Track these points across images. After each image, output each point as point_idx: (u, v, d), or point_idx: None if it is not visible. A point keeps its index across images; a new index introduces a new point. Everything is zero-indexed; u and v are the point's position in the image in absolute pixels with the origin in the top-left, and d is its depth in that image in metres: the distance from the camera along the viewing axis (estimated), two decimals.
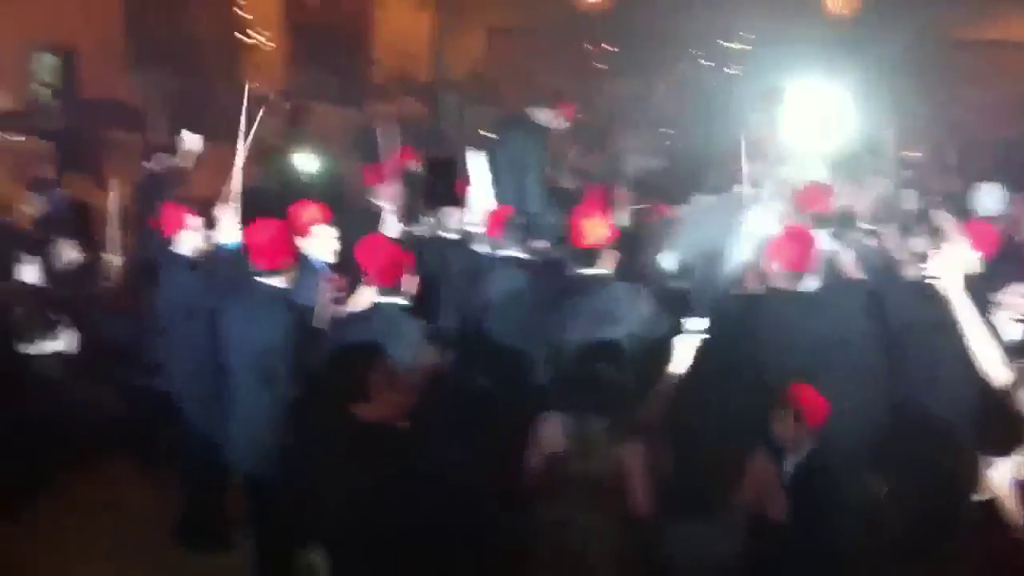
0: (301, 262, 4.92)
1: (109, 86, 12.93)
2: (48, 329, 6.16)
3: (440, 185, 6.23)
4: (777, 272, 4.69)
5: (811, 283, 4.78)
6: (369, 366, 3.64)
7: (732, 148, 6.85)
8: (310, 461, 3.74)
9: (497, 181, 6.26)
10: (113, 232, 7.27)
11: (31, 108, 12.84)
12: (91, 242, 7.51)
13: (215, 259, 5.43)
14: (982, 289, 4.58)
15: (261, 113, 6.10)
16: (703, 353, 4.27)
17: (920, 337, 4.71)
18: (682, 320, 4.43)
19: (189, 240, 5.44)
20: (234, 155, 6.55)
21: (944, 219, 5.34)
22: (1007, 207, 6.63)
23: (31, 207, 8.11)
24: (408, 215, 6.39)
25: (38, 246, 6.97)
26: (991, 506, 3.12)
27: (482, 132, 13.51)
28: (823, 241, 5.37)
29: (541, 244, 5.81)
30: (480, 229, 5.87)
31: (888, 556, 4.66)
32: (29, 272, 6.36)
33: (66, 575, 5.28)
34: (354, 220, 5.99)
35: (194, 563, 5.36)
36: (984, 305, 4.32)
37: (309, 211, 5.47)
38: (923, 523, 4.85)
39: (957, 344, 3.61)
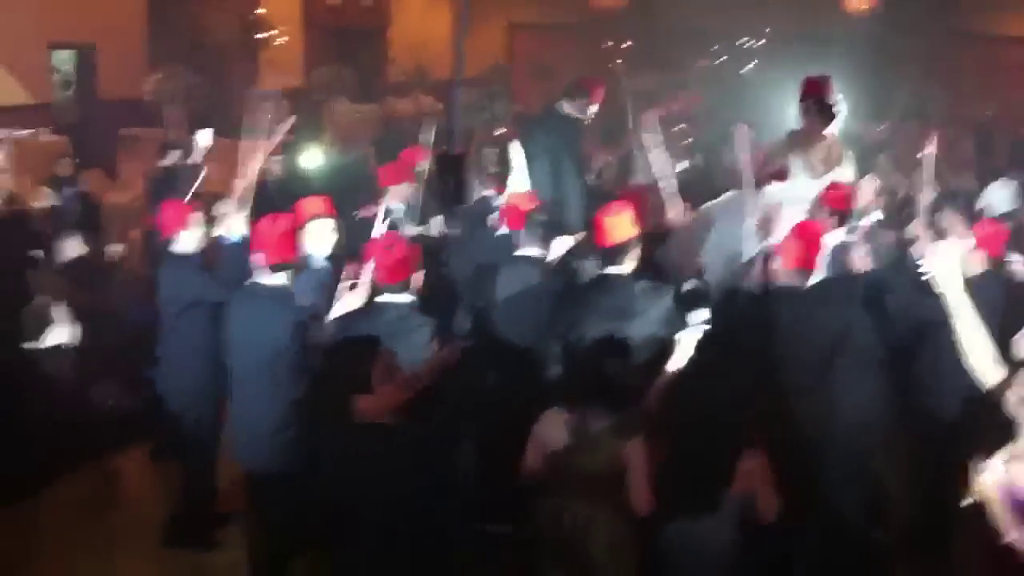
0: (302, 259, 4.93)
1: (128, 83, 13.02)
2: (50, 322, 6.21)
3: (450, 183, 6.23)
4: (784, 269, 4.68)
5: (816, 277, 4.76)
6: (370, 360, 3.64)
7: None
8: (313, 458, 3.75)
9: (534, 175, 6.23)
10: (122, 227, 7.32)
11: (50, 104, 12.95)
12: (99, 237, 7.55)
13: (217, 255, 5.43)
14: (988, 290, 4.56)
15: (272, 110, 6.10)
16: (702, 347, 4.27)
17: (922, 332, 4.69)
18: (688, 313, 4.43)
19: (190, 238, 5.43)
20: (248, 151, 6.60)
21: (950, 217, 5.29)
22: (1020, 205, 6.57)
23: (43, 202, 8.19)
24: (421, 214, 6.39)
25: (46, 240, 7.03)
26: (980, 509, 3.10)
27: (498, 130, 13.61)
28: (836, 234, 5.35)
29: (562, 241, 5.77)
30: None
31: (887, 554, 4.66)
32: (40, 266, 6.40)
33: (68, 571, 5.31)
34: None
35: (194, 560, 5.38)
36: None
37: (310, 205, 5.49)
38: (921, 521, 4.85)
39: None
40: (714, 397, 3.73)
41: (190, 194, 6.26)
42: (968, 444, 3.28)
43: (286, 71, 15.44)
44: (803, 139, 6.22)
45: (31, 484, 5.93)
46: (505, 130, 13.82)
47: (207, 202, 5.85)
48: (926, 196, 5.44)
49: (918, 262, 3.74)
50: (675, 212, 5.93)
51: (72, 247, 6.92)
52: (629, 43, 17.86)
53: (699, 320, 4.37)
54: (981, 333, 3.54)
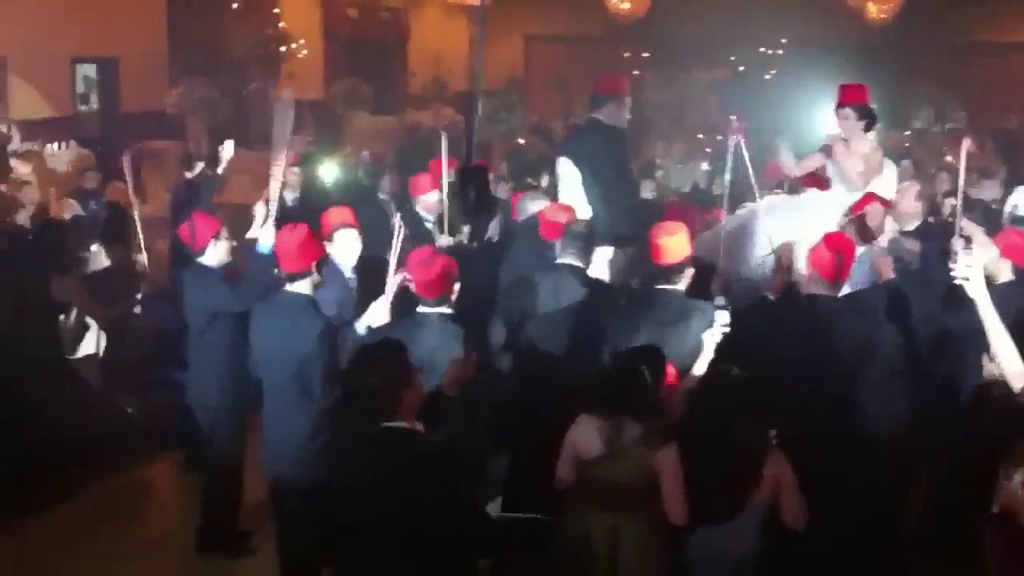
0: (328, 268, 4.95)
1: (151, 96, 13.13)
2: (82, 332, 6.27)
3: (474, 194, 6.21)
4: (814, 279, 4.65)
5: (846, 288, 4.75)
6: (403, 383, 3.63)
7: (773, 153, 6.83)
8: (339, 468, 3.75)
9: (586, 189, 6.18)
10: (147, 238, 7.37)
11: (74, 117, 13.08)
12: (126, 247, 7.61)
13: (247, 264, 5.47)
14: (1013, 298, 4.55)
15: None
16: (723, 351, 4.27)
17: (945, 341, 4.67)
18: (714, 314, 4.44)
19: (217, 250, 5.47)
20: (271, 163, 6.65)
21: (972, 226, 5.29)
22: None
23: (69, 213, 8.26)
24: (451, 224, 6.39)
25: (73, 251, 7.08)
26: (1006, 519, 3.08)
27: (520, 140, 13.65)
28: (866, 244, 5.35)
29: (604, 252, 5.73)
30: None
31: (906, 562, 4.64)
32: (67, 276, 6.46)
33: None
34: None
35: (226, 569, 5.41)
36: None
37: (333, 215, 5.51)
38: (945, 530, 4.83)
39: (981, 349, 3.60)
40: (736, 404, 3.72)
41: (212, 205, 6.31)
42: (993, 454, 3.27)
43: (306, 84, 15.55)
44: (842, 147, 6.17)
45: (62, 493, 5.98)
46: (523, 140, 13.91)
47: (230, 213, 5.89)
48: (959, 202, 5.43)
49: (949, 269, 3.74)
50: None
51: (98, 258, 6.98)
52: (647, 54, 17.91)
53: (722, 322, 4.37)
54: (1007, 340, 3.54)
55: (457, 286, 4.52)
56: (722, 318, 4.41)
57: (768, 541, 3.80)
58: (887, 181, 6.20)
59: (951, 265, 3.73)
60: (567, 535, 4.06)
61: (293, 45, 14.34)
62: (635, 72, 17.74)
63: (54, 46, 12.13)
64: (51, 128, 11.79)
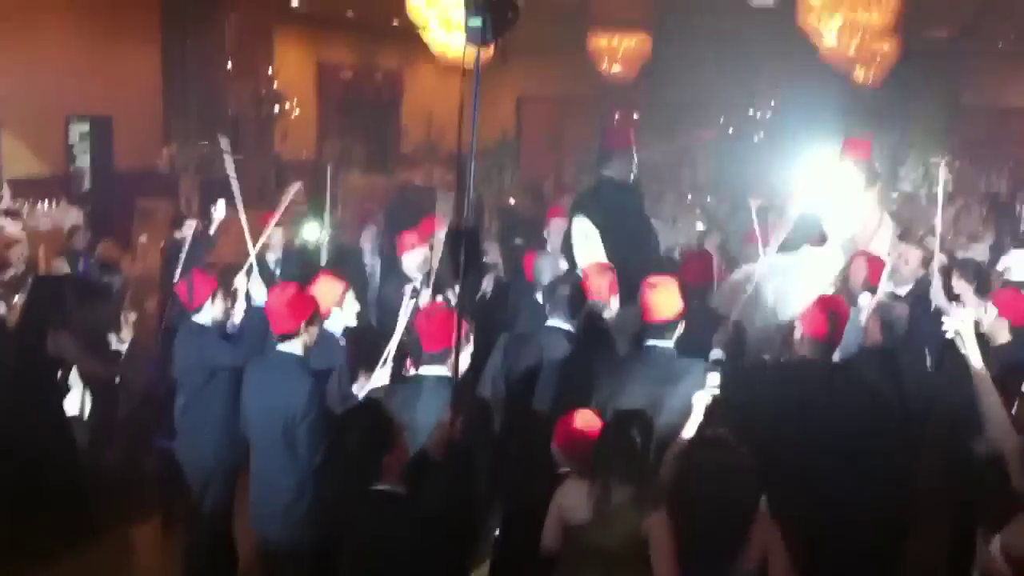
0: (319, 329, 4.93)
1: (144, 154, 13.20)
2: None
3: (465, 255, 6.19)
4: (806, 340, 4.62)
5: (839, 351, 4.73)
6: (383, 449, 3.62)
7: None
8: (324, 530, 3.71)
9: (606, 248, 6.14)
10: (137, 297, 7.35)
11: (66, 175, 13.12)
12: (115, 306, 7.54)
13: (245, 319, 5.47)
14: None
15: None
16: (712, 413, 4.24)
17: (937, 403, 4.67)
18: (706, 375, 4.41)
19: (213, 309, 5.46)
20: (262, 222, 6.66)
21: (961, 285, 5.32)
22: None
23: (59, 272, 8.24)
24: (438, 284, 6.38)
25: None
26: None
27: (511, 200, 13.71)
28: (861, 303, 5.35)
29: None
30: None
31: None
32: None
33: None
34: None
35: None
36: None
37: (327, 289, 5.45)
38: None
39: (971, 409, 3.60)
40: (726, 467, 3.68)
41: (204, 264, 6.31)
42: (978, 517, 3.25)
43: (299, 143, 15.66)
44: (841, 203, 6.15)
45: (45, 554, 5.88)
46: (514, 200, 13.97)
47: (221, 272, 5.89)
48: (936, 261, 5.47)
49: (940, 328, 3.75)
50: None
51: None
52: (637, 115, 18.09)
53: (712, 383, 4.34)
54: (997, 399, 3.55)
55: (470, 347, 4.49)
56: (712, 380, 4.39)
57: None
58: (884, 238, 6.21)
59: (943, 321, 3.74)
60: None
61: (287, 105, 14.47)
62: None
63: (48, 103, 12.21)
64: (42, 186, 11.83)
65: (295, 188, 6.56)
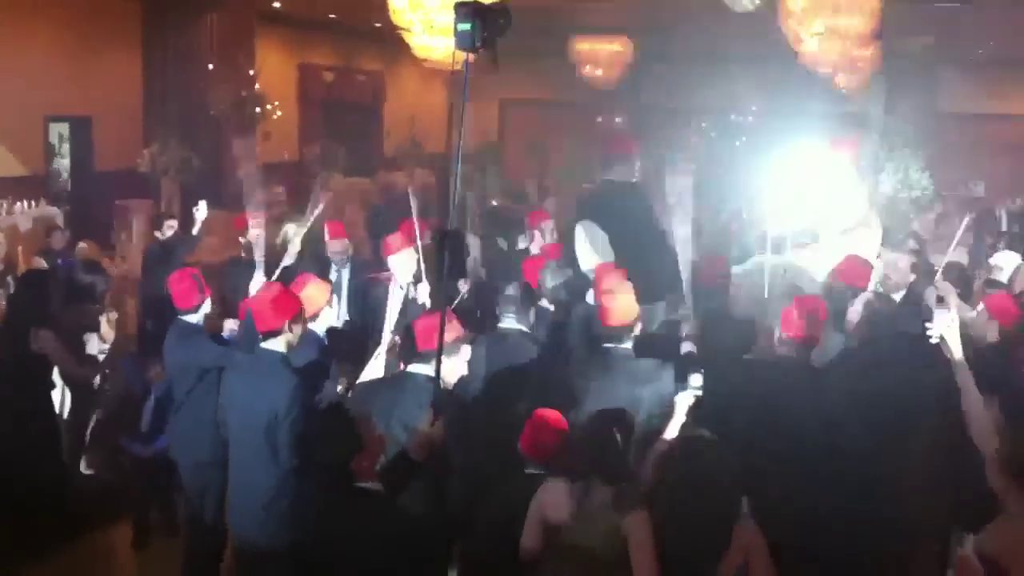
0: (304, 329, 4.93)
1: (124, 155, 13.13)
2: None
3: (449, 258, 6.19)
4: (785, 340, 4.67)
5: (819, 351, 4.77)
6: (352, 451, 3.62)
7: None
8: (302, 529, 3.71)
9: (615, 251, 6.12)
10: (117, 298, 7.31)
11: (46, 175, 13.04)
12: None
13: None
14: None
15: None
16: (696, 413, 4.27)
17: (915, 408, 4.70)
18: (688, 375, 4.44)
19: (204, 309, 5.50)
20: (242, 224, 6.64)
21: (947, 286, 5.38)
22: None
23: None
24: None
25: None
26: None
27: (493, 202, 13.71)
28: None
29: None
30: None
31: None
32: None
33: None
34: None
35: None
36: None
37: (316, 291, 5.45)
38: None
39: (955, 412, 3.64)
40: (708, 468, 3.69)
41: (183, 264, 6.31)
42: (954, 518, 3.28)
43: (281, 145, 15.62)
44: (831, 201, 6.21)
45: (25, 557, 5.84)
46: (496, 203, 13.98)
47: (205, 272, 5.89)
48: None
49: (925, 329, 3.79)
50: None
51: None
52: (619, 119, 18.16)
53: (695, 384, 4.38)
54: (979, 400, 3.59)
55: (464, 351, 4.51)
56: (695, 380, 4.41)
57: None
58: (871, 237, 6.26)
59: (928, 325, 3.78)
60: None
61: (268, 107, 14.42)
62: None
63: (27, 104, 12.13)
64: (21, 186, 11.75)
65: (279, 191, 6.57)
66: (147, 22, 13.94)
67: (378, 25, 13.63)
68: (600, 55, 16.35)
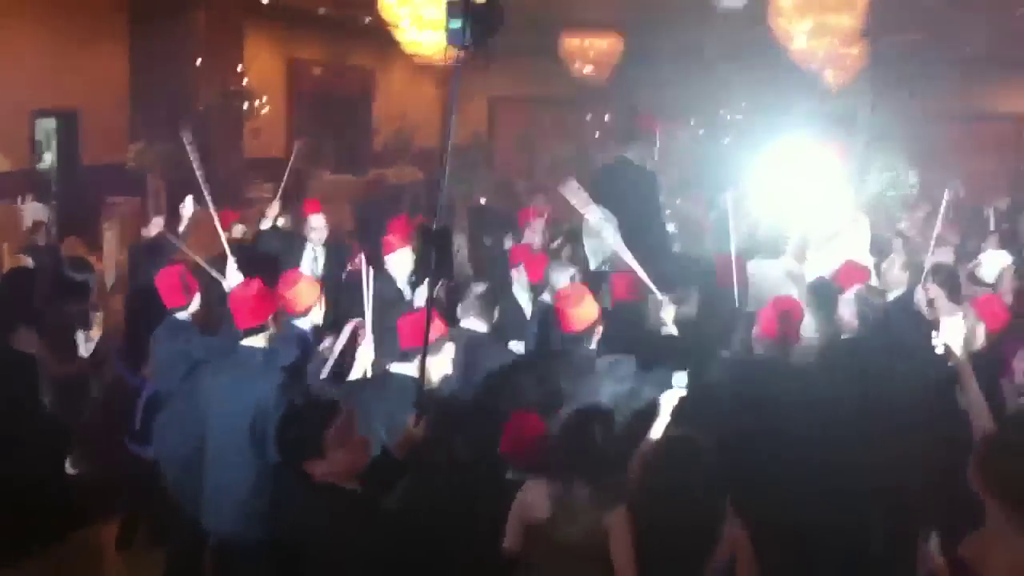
0: (283, 325, 4.93)
1: (111, 150, 13.07)
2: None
3: (435, 256, 6.16)
4: (763, 340, 4.71)
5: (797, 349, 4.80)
6: (324, 423, 3.61)
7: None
8: (280, 525, 3.71)
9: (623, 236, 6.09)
10: (104, 294, 7.27)
11: (32, 172, 12.97)
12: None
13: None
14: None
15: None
16: (679, 412, 4.29)
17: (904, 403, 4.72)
18: (673, 375, 4.46)
19: (192, 305, 5.52)
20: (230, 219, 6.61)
21: (936, 288, 5.40)
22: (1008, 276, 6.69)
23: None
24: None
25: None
26: None
27: (482, 199, 13.70)
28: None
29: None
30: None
31: None
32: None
33: None
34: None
35: None
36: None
37: (306, 289, 5.41)
38: None
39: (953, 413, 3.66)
40: (692, 467, 3.71)
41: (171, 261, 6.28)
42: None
43: (270, 141, 15.56)
44: (818, 200, 6.23)
45: (11, 558, 5.80)
46: (484, 200, 13.96)
47: (191, 269, 5.88)
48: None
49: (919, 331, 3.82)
50: None
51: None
52: (608, 117, 18.15)
53: (680, 383, 4.40)
54: (979, 394, 3.63)
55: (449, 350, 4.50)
56: (679, 380, 4.43)
57: None
58: (860, 237, 6.28)
59: (933, 334, 3.80)
60: None
61: (257, 102, 14.37)
62: (597, 134, 17.98)
63: (13, 99, 12.06)
64: (7, 182, 11.69)
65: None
66: (134, 16, 13.86)
67: (368, 20, 13.59)
68: (590, 52, 16.33)
